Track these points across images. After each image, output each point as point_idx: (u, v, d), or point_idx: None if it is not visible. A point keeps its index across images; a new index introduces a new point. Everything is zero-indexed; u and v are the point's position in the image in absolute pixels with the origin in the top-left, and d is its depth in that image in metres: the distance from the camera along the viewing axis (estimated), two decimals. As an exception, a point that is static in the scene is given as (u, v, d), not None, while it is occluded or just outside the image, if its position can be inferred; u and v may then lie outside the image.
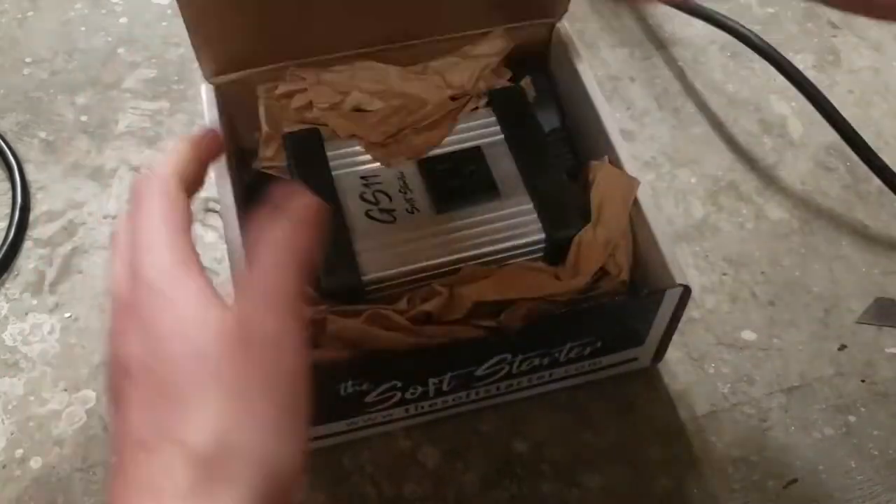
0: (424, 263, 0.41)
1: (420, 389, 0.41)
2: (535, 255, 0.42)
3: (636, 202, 0.42)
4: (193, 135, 0.34)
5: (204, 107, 0.46)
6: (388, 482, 0.44)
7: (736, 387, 0.48)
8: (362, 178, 0.43)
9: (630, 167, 0.43)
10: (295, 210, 0.31)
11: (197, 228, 0.54)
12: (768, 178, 0.57)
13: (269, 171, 0.46)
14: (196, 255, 0.31)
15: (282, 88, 0.46)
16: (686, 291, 0.40)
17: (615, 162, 0.44)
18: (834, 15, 0.67)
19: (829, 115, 0.57)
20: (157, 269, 0.29)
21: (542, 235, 0.42)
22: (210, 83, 0.46)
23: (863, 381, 0.49)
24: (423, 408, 0.43)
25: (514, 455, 0.45)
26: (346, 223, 0.41)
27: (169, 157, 0.32)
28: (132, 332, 0.28)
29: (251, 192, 0.47)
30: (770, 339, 0.50)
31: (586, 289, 0.40)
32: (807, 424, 0.47)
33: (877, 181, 0.56)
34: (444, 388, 0.41)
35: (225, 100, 0.47)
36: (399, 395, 0.41)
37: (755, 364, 0.49)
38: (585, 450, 0.45)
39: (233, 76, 0.46)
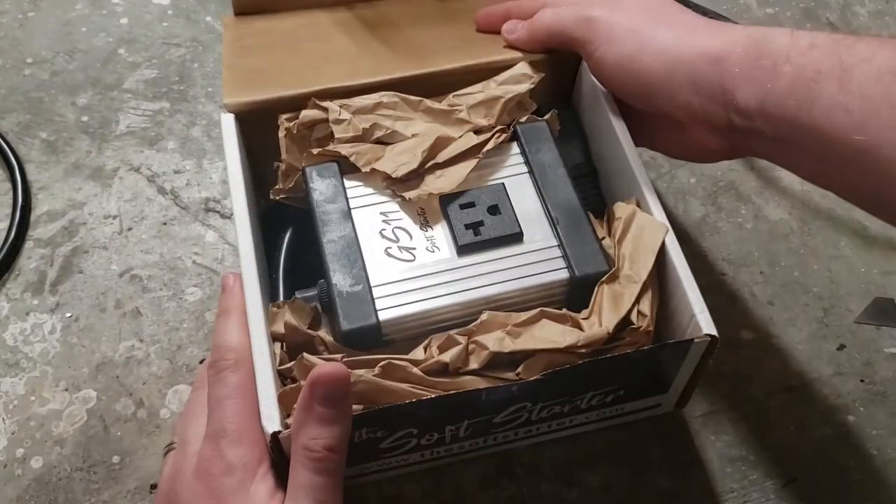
0: (443, 304, 0.40)
1: (436, 436, 0.40)
2: (558, 295, 0.41)
3: (663, 247, 0.41)
4: (237, 297, 0.41)
5: (224, 136, 0.45)
6: (388, 482, 0.44)
7: (735, 386, 0.48)
8: (382, 213, 0.42)
9: (657, 212, 0.42)
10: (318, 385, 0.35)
11: (197, 228, 0.54)
12: (767, 178, 0.58)
13: (287, 202, 0.46)
14: (267, 444, 0.36)
15: (303, 118, 0.45)
16: (713, 342, 0.38)
17: (641, 203, 0.43)
18: (833, 15, 0.67)
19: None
20: (244, 463, 0.36)
21: (567, 276, 0.40)
22: (230, 112, 0.46)
23: (862, 380, 0.49)
24: (438, 453, 0.42)
25: (513, 454, 0.45)
26: (364, 261, 0.40)
27: (234, 327, 0.40)
28: None
29: (267, 221, 0.47)
30: (769, 338, 0.50)
31: (609, 340, 0.39)
32: (806, 424, 0.47)
33: (876, 181, 0.56)
34: (461, 434, 0.41)
35: (244, 128, 0.46)
36: (415, 441, 0.40)
37: (754, 364, 0.49)
38: (585, 449, 0.46)
39: (253, 105, 0.46)
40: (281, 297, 0.44)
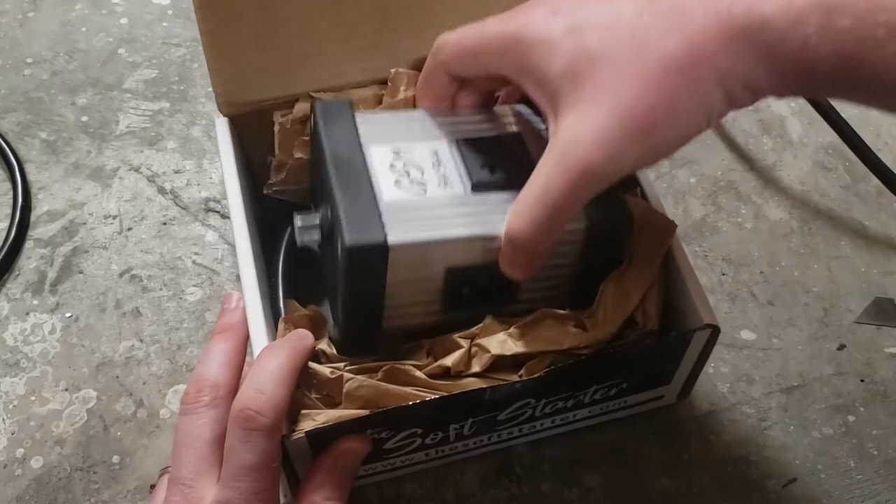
0: (457, 234, 0.37)
1: (441, 435, 0.40)
2: (574, 244, 0.39)
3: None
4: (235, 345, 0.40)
5: (219, 140, 0.45)
6: (388, 482, 0.44)
7: (735, 386, 0.48)
8: (394, 151, 0.40)
9: (657, 205, 0.42)
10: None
11: (197, 228, 0.54)
12: (767, 178, 0.57)
13: (279, 196, 0.46)
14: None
15: (296, 112, 0.45)
16: (715, 331, 0.39)
17: (645, 199, 0.43)
18: (833, 15, 0.67)
19: (828, 115, 0.57)
20: None
21: (584, 224, 0.38)
22: (225, 116, 0.46)
23: (862, 380, 0.49)
24: (443, 451, 0.42)
25: (513, 454, 0.45)
26: (374, 192, 0.37)
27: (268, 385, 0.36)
28: None
29: (265, 224, 0.46)
30: (769, 338, 0.50)
31: (612, 340, 0.39)
32: (806, 424, 0.47)
33: (875, 181, 0.56)
34: (466, 432, 0.41)
35: (240, 131, 0.46)
36: (419, 440, 0.40)
37: (754, 364, 0.49)
38: (585, 449, 0.46)
39: (247, 108, 0.45)
40: (281, 300, 0.44)
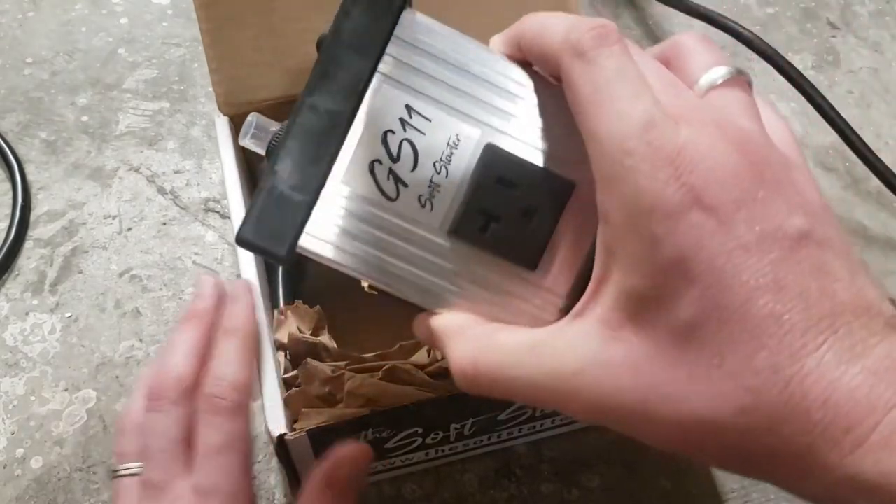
0: (377, 280, 0.29)
1: (441, 434, 0.40)
2: None
3: None
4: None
5: (219, 140, 0.45)
6: (387, 482, 0.44)
7: (735, 387, 0.48)
8: (408, 107, 0.28)
9: None
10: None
11: (197, 228, 0.54)
12: (768, 178, 0.57)
13: None
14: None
15: None
16: None
17: None
18: (833, 15, 0.67)
19: (829, 116, 0.57)
20: None
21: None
22: (225, 116, 0.46)
23: (862, 381, 0.49)
24: (443, 451, 0.42)
25: (513, 455, 0.45)
26: (333, 161, 0.27)
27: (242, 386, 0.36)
28: None
29: None
30: (769, 339, 0.50)
31: None
32: (806, 424, 0.47)
33: (876, 181, 0.56)
34: (466, 432, 0.41)
35: (240, 131, 0.46)
36: (420, 440, 0.40)
37: (754, 364, 0.49)
38: (585, 450, 0.46)
39: (247, 108, 0.45)
40: (281, 302, 0.44)
